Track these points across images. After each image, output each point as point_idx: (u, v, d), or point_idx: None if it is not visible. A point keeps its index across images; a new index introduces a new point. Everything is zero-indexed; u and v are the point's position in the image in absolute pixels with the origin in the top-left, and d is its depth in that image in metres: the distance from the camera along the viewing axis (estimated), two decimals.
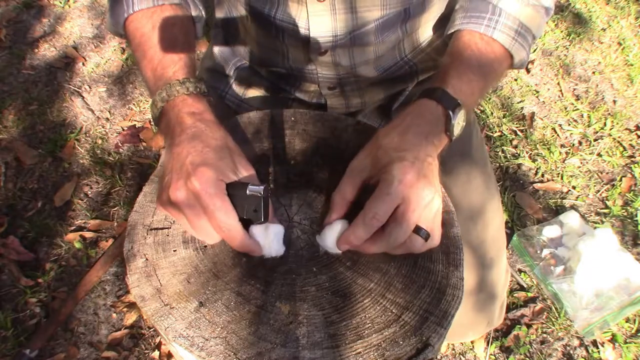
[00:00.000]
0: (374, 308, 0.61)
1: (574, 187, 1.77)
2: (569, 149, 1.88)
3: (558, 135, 1.93)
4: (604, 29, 2.33)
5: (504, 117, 1.98)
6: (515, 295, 1.52)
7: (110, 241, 1.62)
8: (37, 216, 1.69)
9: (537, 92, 2.08)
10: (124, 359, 1.41)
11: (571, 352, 1.42)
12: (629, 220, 1.68)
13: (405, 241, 0.60)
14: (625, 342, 1.43)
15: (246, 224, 0.63)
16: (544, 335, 1.45)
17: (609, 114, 1.99)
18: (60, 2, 2.42)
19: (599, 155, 1.86)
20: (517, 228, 1.64)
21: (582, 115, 2.00)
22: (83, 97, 2.05)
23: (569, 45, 2.26)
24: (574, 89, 2.09)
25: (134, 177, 1.80)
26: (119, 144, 1.89)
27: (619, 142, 1.91)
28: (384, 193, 0.59)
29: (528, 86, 2.10)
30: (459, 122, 0.67)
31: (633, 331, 1.45)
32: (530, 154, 1.87)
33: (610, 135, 1.92)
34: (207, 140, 0.62)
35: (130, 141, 1.90)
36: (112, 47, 2.24)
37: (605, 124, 1.95)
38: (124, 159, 1.85)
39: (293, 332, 0.59)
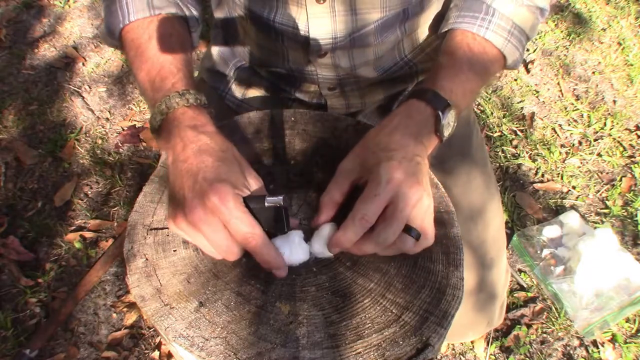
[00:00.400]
0: (374, 308, 0.61)
1: (574, 187, 1.77)
2: (569, 149, 1.88)
3: (558, 135, 1.93)
4: (604, 29, 2.33)
5: (504, 117, 1.98)
6: (515, 295, 1.52)
7: (110, 241, 1.62)
8: (37, 216, 1.69)
9: (537, 92, 2.08)
10: (124, 359, 1.41)
11: (571, 352, 1.42)
12: (629, 220, 1.68)
13: (396, 241, 0.59)
14: (625, 342, 1.43)
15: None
16: (544, 335, 1.45)
17: (609, 114, 1.99)
18: (60, 2, 2.42)
19: (599, 155, 1.86)
20: (517, 228, 1.64)
21: (582, 115, 2.00)
22: (83, 97, 2.05)
23: (569, 45, 2.26)
24: (574, 89, 2.10)
25: (134, 177, 1.80)
26: (119, 144, 1.89)
27: (619, 142, 1.91)
28: (372, 194, 0.58)
29: (528, 86, 2.10)
30: (449, 123, 0.66)
31: (633, 331, 1.45)
32: (530, 154, 1.87)
33: (610, 135, 1.92)
34: (216, 153, 0.60)
35: (130, 141, 1.90)
36: (112, 47, 2.24)
37: (605, 124, 1.95)
38: (124, 159, 1.85)
39: (293, 332, 0.59)
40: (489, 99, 2.03)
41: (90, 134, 1.92)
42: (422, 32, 0.90)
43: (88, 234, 1.65)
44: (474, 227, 0.99)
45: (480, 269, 1.03)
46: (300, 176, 0.76)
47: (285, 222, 0.61)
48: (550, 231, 1.57)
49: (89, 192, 1.76)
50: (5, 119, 1.96)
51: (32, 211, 1.70)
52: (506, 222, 1.65)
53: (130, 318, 1.47)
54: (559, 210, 1.70)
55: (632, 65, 2.16)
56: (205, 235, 0.58)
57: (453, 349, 1.43)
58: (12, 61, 2.18)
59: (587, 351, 1.42)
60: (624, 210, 1.70)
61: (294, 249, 0.64)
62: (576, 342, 1.44)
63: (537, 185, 1.77)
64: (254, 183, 0.62)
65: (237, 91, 1.00)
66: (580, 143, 1.91)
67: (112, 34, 0.76)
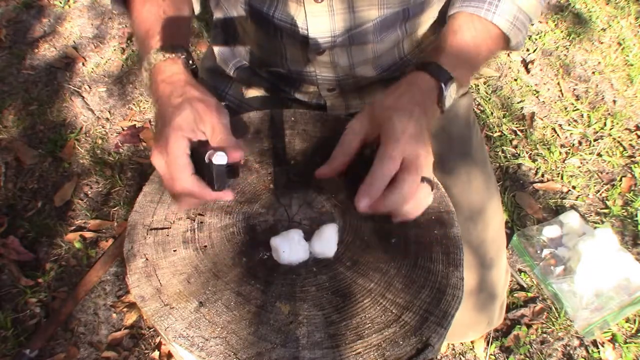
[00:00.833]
0: (374, 308, 0.61)
1: (574, 187, 1.77)
2: (569, 149, 1.88)
3: (558, 135, 1.93)
4: (604, 29, 2.33)
5: (504, 117, 1.98)
6: (515, 295, 1.52)
7: (110, 241, 1.62)
8: (37, 216, 1.69)
9: (537, 92, 2.08)
10: (124, 359, 1.41)
11: (571, 352, 1.42)
12: (629, 220, 1.68)
13: (416, 192, 0.61)
14: (625, 342, 1.43)
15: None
16: (544, 335, 1.45)
17: (609, 114, 1.99)
18: (60, 2, 2.42)
19: (599, 155, 1.86)
20: (517, 228, 1.64)
21: (582, 115, 2.00)
22: (83, 97, 2.05)
23: (569, 45, 2.26)
24: (574, 89, 2.10)
25: (134, 177, 1.80)
26: (119, 144, 1.89)
27: (619, 142, 1.91)
28: (392, 140, 0.61)
29: (528, 86, 2.10)
30: (450, 95, 0.69)
31: (633, 331, 1.45)
32: (530, 154, 1.87)
33: (610, 135, 1.92)
34: (175, 102, 0.66)
35: (130, 141, 1.90)
36: (112, 47, 2.24)
37: (605, 124, 1.95)
38: (124, 159, 1.85)
39: (293, 332, 0.59)
40: (489, 99, 2.03)
41: (90, 134, 1.92)
42: (423, 32, 0.90)
43: (88, 234, 1.65)
44: (473, 227, 0.99)
45: (480, 268, 1.03)
46: (300, 176, 0.76)
47: (215, 179, 0.63)
48: (550, 231, 1.57)
49: (89, 192, 1.76)
50: (5, 119, 1.96)
51: (32, 211, 1.70)
52: (506, 222, 1.65)
53: (130, 318, 1.47)
54: (559, 210, 1.70)
55: (632, 65, 2.16)
56: (157, 170, 0.65)
57: (453, 349, 1.43)
58: (12, 61, 2.18)
59: (587, 351, 1.42)
60: (624, 210, 1.70)
61: (293, 248, 0.64)
62: (576, 342, 1.44)
63: (537, 185, 1.77)
64: (211, 129, 0.65)
65: (237, 91, 1.00)
66: (580, 143, 1.91)
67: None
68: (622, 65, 2.17)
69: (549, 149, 1.87)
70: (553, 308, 1.48)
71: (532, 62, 2.18)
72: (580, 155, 1.86)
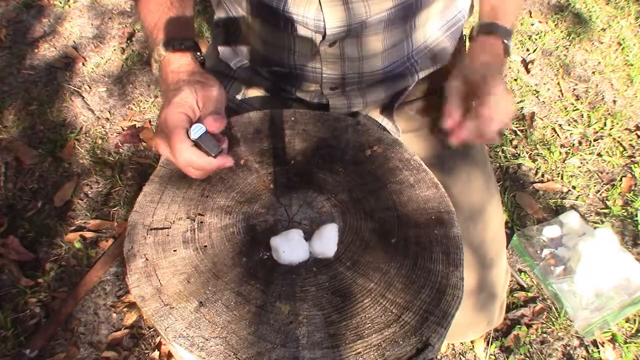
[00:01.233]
0: (374, 308, 0.61)
1: (574, 187, 1.77)
2: (569, 149, 1.88)
3: (558, 135, 1.93)
4: (604, 29, 2.33)
5: None
6: (515, 295, 1.52)
7: (110, 241, 1.62)
8: (37, 216, 1.69)
9: (537, 92, 2.08)
10: (124, 359, 1.41)
11: (571, 352, 1.42)
12: (629, 220, 1.68)
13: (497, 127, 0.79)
14: (625, 342, 1.43)
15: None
16: (544, 335, 1.45)
17: (609, 114, 1.99)
18: (60, 2, 2.42)
19: (599, 155, 1.86)
20: (517, 228, 1.64)
21: (582, 115, 2.00)
22: (83, 97, 2.05)
23: (569, 45, 2.26)
24: (574, 89, 2.10)
25: (134, 177, 1.80)
26: (119, 144, 1.89)
27: (619, 142, 1.91)
28: (492, 93, 0.80)
29: (528, 86, 2.10)
30: (512, 44, 0.87)
31: (633, 331, 1.45)
32: (530, 154, 1.87)
33: (610, 135, 1.92)
34: (176, 85, 0.70)
35: (130, 141, 1.90)
36: (112, 47, 2.24)
37: (605, 124, 1.95)
38: (124, 159, 1.85)
39: (293, 332, 0.59)
40: None
41: (90, 134, 1.92)
42: (430, 28, 0.91)
43: (88, 234, 1.65)
44: (473, 227, 0.99)
45: (480, 268, 1.03)
46: (300, 176, 0.76)
47: (205, 149, 0.66)
48: (550, 231, 1.57)
49: (89, 192, 1.76)
50: (5, 119, 1.96)
51: (32, 211, 1.70)
52: (506, 222, 1.65)
53: (130, 318, 1.47)
54: (559, 210, 1.70)
55: (632, 65, 2.16)
56: (159, 145, 0.69)
57: (453, 349, 1.43)
58: (12, 61, 2.18)
59: (587, 351, 1.42)
60: (624, 210, 1.70)
61: (293, 247, 0.64)
62: (576, 342, 1.44)
63: (537, 185, 1.77)
64: (202, 104, 0.69)
65: (238, 91, 1.00)
66: (580, 143, 1.91)
67: None
68: (622, 65, 2.17)
69: (549, 149, 1.87)
70: (553, 308, 1.48)
71: (532, 62, 2.18)
72: (580, 155, 1.86)
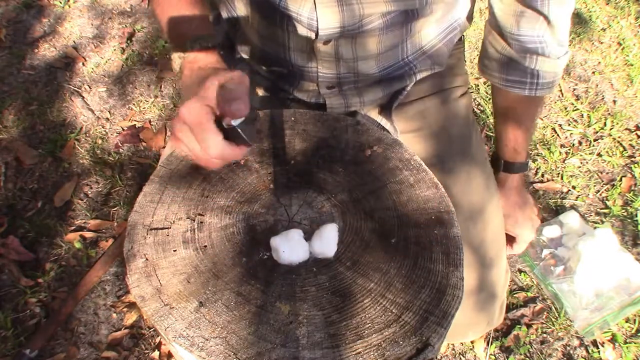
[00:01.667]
0: (374, 308, 0.61)
1: (574, 187, 1.77)
2: (569, 149, 1.88)
3: (558, 135, 1.93)
4: (604, 29, 2.33)
5: None
6: (515, 295, 1.52)
7: (110, 241, 1.62)
8: (37, 216, 1.69)
9: None
10: (124, 359, 1.41)
11: (571, 352, 1.42)
12: (629, 220, 1.68)
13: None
14: (625, 342, 1.43)
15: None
16: (544, 335, 1.45)
17: (609, 114, 1.99)
18: (60, 2, 2.42)
19: (599, 155, 1.86)
20: None
21: (582, 115, 2.00)
22: (83, 97, 2.05)
23: (569, 45, 2.26)
24: (574, 89, 2.10)
25: (134, 177, 1.80)
26: (119, 144, 1.89)
27: (619, 142, 1.91)
28: (524, 241, 1.11)
29: None
30: (528, 170, 1.05)
31: (633, 331, 1.45)
32: (530, 154, 1.87)
33: (610, 135, 1.92)
34: (197, 80, 0.67)
35: (130, 141, 1.90)
36: (112, 47, 2.24)
37: (605, 124, 1.95)
38: (124, 159, 1.85)
39: (293, 332, 0.59)
40: (489, 99, 2.03)
41: (90, 134, 1.92)
42: (427, 34, 0.91)
43: (88, 234, 1.65)
44: (473, 227, 0.99)
45: (480, 268, 1.03)
46: (300, 176, 0.76)
47: (246, 137, 0.62)
48: (550, 231, 1.57)
49: (89, 192, 1.76)
50: (5, 119, 1.96)
51: (32, 211, 1.70)
52: None
53: (130, 318, 1.47)
54: (559, 210, 1.70)
55: (632, 65, 2.16)
56: (184, 144, 0.63)
57: (453, 349, 1.43)
58: (12, 61, 2.18)
59: (587, 351, 1.42)
60: (624, 210, 1.70)
61: (293, 247, 0.64)
62: (576, 342, 1.44)
63: (537, 185, 1.77)
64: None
65: None
66: (580, 143, 1.91)
67: None
68: (622, 65, 2.17)
69: (549, 149, 1.87)
70: (553, 308, 1.48)
71: None
72: (580, 155, 1.86)
